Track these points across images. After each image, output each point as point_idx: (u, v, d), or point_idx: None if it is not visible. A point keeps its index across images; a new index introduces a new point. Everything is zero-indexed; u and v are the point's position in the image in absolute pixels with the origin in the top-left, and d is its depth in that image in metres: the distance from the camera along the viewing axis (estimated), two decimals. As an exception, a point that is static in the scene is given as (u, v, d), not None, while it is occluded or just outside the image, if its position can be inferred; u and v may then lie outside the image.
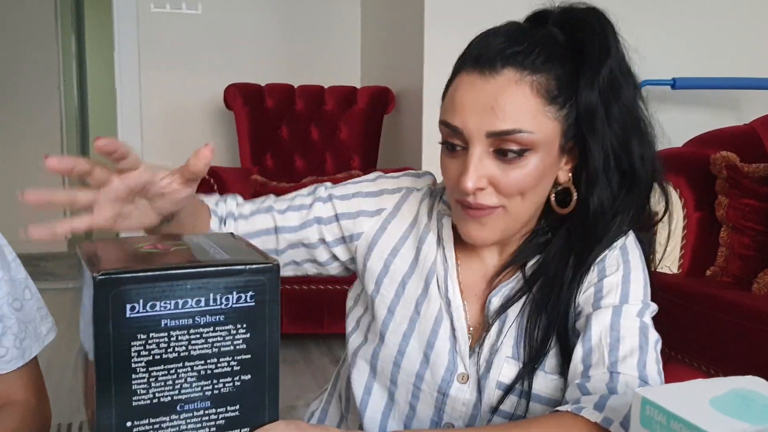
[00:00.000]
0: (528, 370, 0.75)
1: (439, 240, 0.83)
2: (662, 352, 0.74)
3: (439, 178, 0.89)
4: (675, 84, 2.75)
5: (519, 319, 0.78)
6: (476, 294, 0.82)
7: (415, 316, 0.81)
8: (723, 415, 0.49)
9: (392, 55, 3.31)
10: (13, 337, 0.86)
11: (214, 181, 2.86)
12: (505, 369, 0.76)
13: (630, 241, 0.79)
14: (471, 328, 0.81)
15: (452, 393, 0.78)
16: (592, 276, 0.77)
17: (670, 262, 2.06)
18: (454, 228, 0.83)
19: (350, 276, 0.92)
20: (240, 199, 0.88)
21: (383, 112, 3.30)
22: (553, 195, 0.78)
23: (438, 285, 0.81)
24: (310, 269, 0.90)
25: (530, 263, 0.80)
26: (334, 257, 0.88)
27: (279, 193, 0.92)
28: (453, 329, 0.80)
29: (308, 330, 2.73)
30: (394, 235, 0.85)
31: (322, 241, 0.86)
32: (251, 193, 2.95)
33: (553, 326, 0.75)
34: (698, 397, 0.52)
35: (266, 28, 3.53)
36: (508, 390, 0.76)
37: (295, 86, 3.30)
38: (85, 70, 5.67)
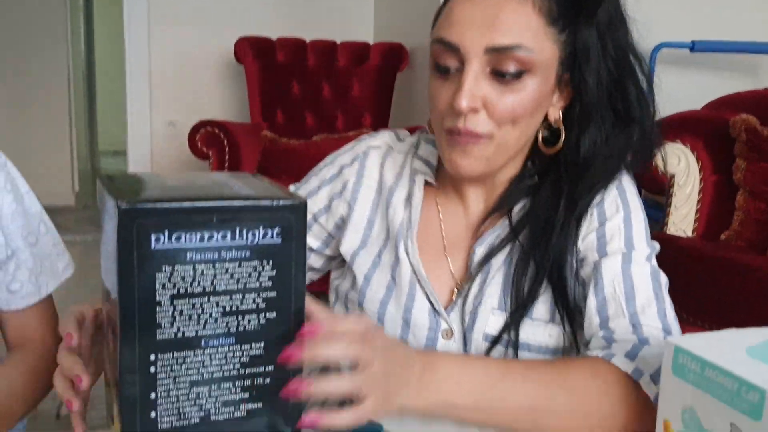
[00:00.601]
0: (515, 320, 0.74)
1: (408, 199, 0.81)
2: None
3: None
4: (694, 47, 2.70)
5: (505, 269, 0.76)
6: (461, 246, 0.80)
7: (392, 284, 0.80)
8: (761, 363, 0.48)
9: (406, 10, 3.25)
10: (28, 272, 0.84)
11: (224, 137, 2.82)
12: (492, 320, 0.75)
13: (625, 179, 0.78)
14: (457, 282, 0.79)
15: (439, 350, 0.77)
16: (592, 220, 0.75)
17: (685, 225, 2.04)
18: (427, 187, 0.81)
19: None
20: None
21: (396, 70, 3.25)
22: (541, 134, 0.76)
23: (406, 250, 0.80)
24: (313, 276, 0.90)
25: (517, 208, 0.78)
26: (329, 258, 0.88)
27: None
28: (425, 291, 0.79)
29: (322, 288, 2.74)
30: (364, 206, 0.83)
31: (311, 249, 0.87)
32: (261, 149, 2.93)
33: (542, 274, 0.74)
34: (733, 345, 0.50)
35: (278, -20, 3.47)
36: (495, 341, 0.75)
37: (307, 40, 3.24)
38: (93, 22, 5.59)
